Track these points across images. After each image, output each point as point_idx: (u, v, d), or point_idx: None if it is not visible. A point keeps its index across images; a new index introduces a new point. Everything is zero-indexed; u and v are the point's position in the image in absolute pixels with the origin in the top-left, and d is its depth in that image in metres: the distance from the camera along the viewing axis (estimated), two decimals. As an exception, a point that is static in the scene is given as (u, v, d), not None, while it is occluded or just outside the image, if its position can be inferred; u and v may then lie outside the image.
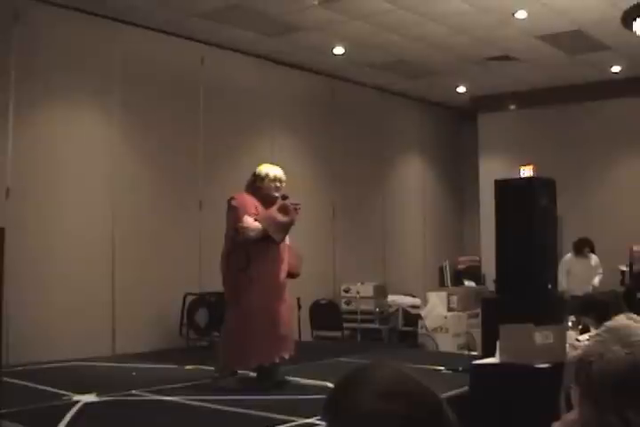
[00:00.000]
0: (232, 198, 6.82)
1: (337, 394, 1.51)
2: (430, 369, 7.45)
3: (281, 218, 6.67)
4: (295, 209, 6.74)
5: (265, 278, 6.68)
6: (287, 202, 6.79)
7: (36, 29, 8.86)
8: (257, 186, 6.87)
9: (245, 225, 6.57)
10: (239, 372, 6.90)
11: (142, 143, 9.95)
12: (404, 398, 1.45)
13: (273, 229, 6.63)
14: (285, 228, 6.73)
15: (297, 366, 7.89)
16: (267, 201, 6.83)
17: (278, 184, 6.89)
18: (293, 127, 12.11)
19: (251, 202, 6.75)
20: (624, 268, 11.62)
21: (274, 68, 11.78)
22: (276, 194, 6.86)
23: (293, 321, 10.33)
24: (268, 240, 6.64)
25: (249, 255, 6.64)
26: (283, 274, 6.88)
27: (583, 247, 11.29)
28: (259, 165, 7.08)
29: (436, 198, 15.25)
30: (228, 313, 6.84)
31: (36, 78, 8.85)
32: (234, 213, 6.70)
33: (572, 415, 2.17)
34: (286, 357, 6.81)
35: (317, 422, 4.91)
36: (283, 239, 6.78)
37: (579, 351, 5.60)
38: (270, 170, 6.91)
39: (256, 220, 6.62)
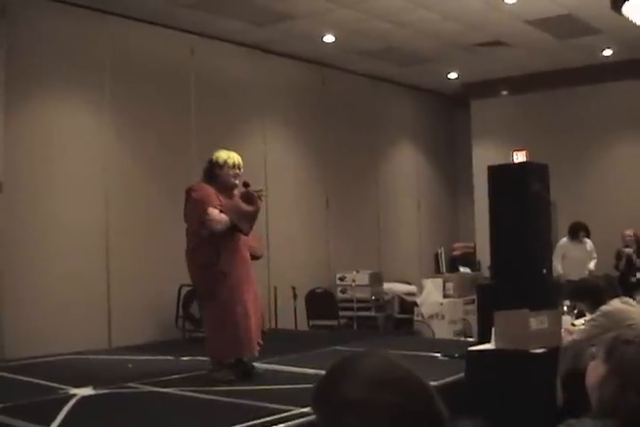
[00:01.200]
0: (191, 190, 6.56)
1: (325, 384, 1.51)
2: (426, 356, 7.46)
3: (246, 208, 6.48)
4: (259, 196, 6.56)
5: (237, 270, 6.50)
6: (251, 190, 6.59)
7: (24, 24, 8.82)
8: (215, 173, 6.60)
9: (211, 218, 6.34)
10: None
11: (133, 135, 9.93)
12: (393, 387, 1.44)
13: (240, 219, 6.44)
14: (252, 217, 6.54)
15: (294, 356, 7.92)
16: (226, 189, 6.59)
17: (237, 171, 6.60)
18: (285, 116, 12.09)
19: (212, 193, 6.48)
20: (629, 250, 11.55)
21: (264, 58, 11.75)
22: (236, 181, 6.62)
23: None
24: (234, 231, 6.48)
25: (218, 249, 6.43)
26: (249, 263, 6.71)
27: (578, 231, 11.27)
28: (209, 152, 6.82)
29: (430, 185, 15.25)
30: (206, 309, 6.68)
31: (25, 73, 8.82)
32: (197, 207, 6.42)
33: None
34: (261, 342, 6.73)
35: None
36: (251, 230, 6.60)
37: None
38: (229, 156, 6.60)
39: (221, 211, 6.40)
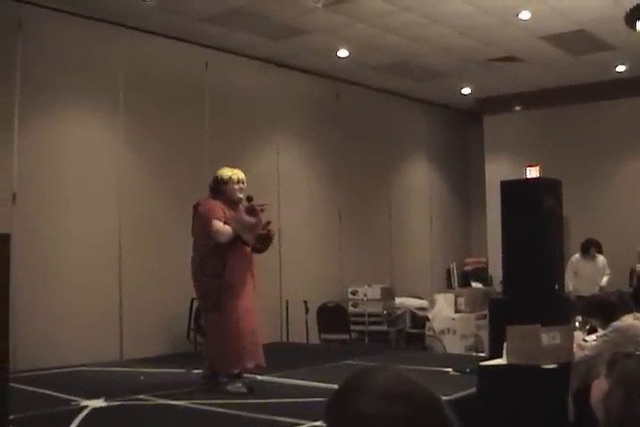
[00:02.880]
0: (199, 205, 6.90)
1: (338, 399, 1.52)
2: (438, 371, 7.44)
3: (249, 219, 6.77)
4: (262, 210, 6.87)
5: (241, 281, 6.75)
6: (253, 203, 6.89)
7: (39, 37, 8.89)
8: (221, 189, 6.93)
9: (215, 229, 6.64)
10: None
11: (147, 148, 9.97)
12: (404, 400, 1.45)
13: (243, 230, 6.71)
14: (254, 228, 6.83)
15: (305, 369, 7.91)
16: (232, 203, 6.90)
17: (242, 186, 6.95)
18: (298, 130, 12.12)
19: (218, 206, 6.80)
20: None
21: (278, 72, 11.79)
22: (240, 195, 6.94)
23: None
24: (239, 243, 6.74)
25: (224, 260, 6.69)
26: (252, 275, 6.94)
27: (589, 248, 11.27)
28: (219, 168, 7.13)
29: (443, 200, 15.24)
30: (211, 320, 6.85)
31: (40, 85, 8.87)
32: (203, 219, 6.76)
33: None
34: (263, 365, 6.87)
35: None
36: (254, 240, 6.86)
37: (586, 352, 5.60)
38: (232, 173, 6.96)
39: (225, 223, 6.69)
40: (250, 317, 6.73)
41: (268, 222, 7.14)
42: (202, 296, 6.94)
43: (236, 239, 6.70)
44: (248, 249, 6.87)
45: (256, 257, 7.10)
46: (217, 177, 6.99)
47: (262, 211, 6.86)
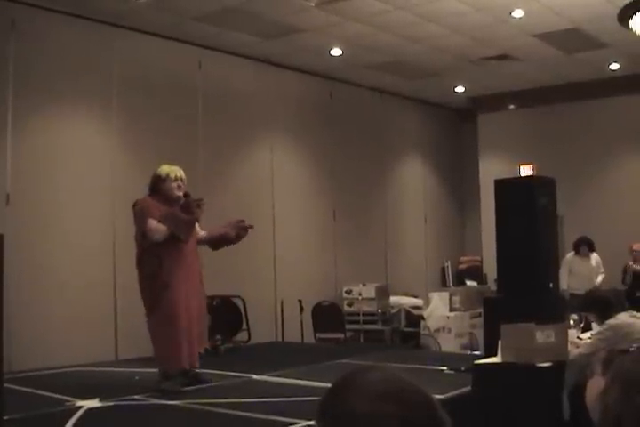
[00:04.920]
0: (135, 204, 6.86)
1: (330, 399, 1.51)
2: (433, 369, 7.44)
3: (182, 216, 6.68)
4: (198, 205, 6.76)
5: (179, 281, 6.69)
6: (189, 199, 6.80)
7: (32, 36, 8.87)
8: (159, 187, 6.89)
9: (149, 228, 6.61)
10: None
11: (141, 148, 9.94)
12: (397, 399, 1.45)
13: (176, 227, 6.65)
14: (188, 225, 6.75)
15: (300, 369, 7.90)
16: (170, 201, 6.83)
17: (180, 183, 6.88)
18: (292, 130, 12.11)
19: (154, 205, 6.76)
20: (638, 267, 11.48)
21: (272, 71, 11.78)
22: (179, 193, 6.87)
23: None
24: (175, 241, 6.67)
25: (160, 259, 6.66)
26: (196, 272, 6.95)
27: (579, 246, 11.29)
28: (159, 166, 7.05)
29: (437, 198, 15.24)
30: (150, 320, 6.82)
31: (33, 85, 8.86)
32: (138, 218, 6.75)
33: None
34: (202, 351, 6.95)
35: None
36: (188, 238, 6.77)
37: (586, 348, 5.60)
38: (170, 170, 6.90)
39: (159, 221, 6.63)
40: (188, 318, 6.70)
41: (242, 221, 7.19)
42: (141, 295, 6.89)
43: (172, 237, 6.64)
44: (188, 246, 6.81)
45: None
46: (154, 175, 6.93)
47: (199, 206, 6.76)
